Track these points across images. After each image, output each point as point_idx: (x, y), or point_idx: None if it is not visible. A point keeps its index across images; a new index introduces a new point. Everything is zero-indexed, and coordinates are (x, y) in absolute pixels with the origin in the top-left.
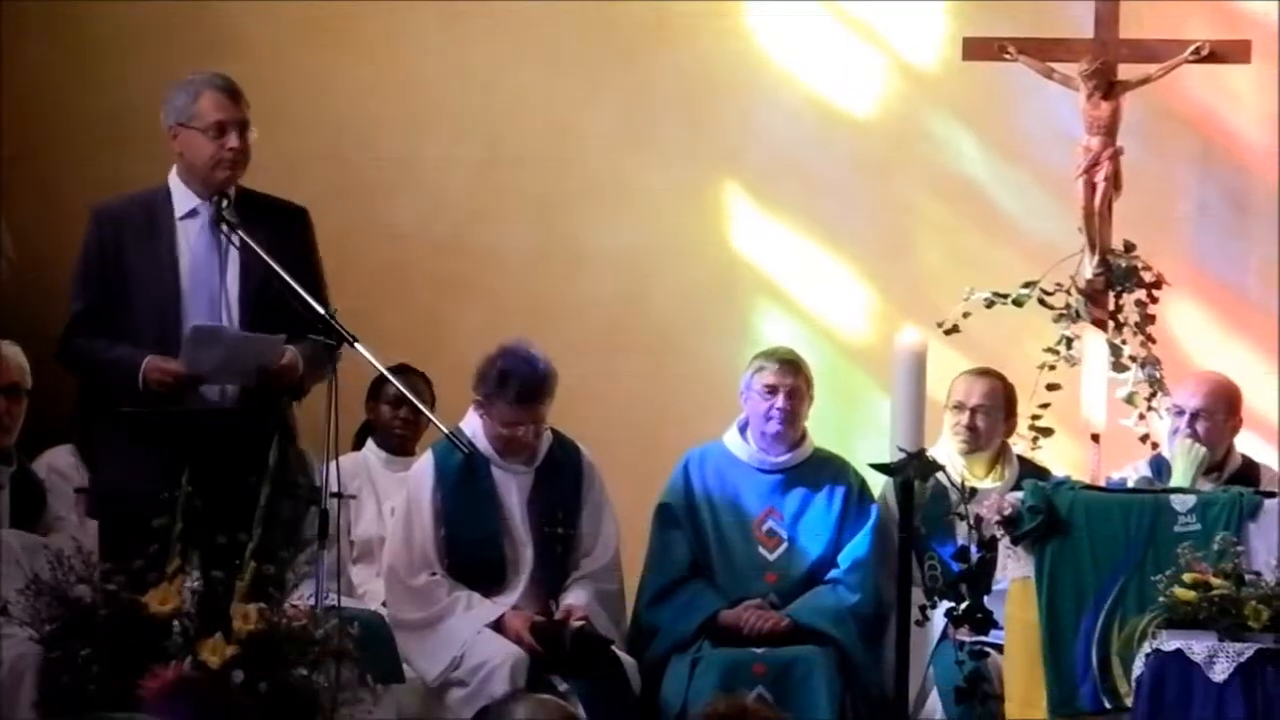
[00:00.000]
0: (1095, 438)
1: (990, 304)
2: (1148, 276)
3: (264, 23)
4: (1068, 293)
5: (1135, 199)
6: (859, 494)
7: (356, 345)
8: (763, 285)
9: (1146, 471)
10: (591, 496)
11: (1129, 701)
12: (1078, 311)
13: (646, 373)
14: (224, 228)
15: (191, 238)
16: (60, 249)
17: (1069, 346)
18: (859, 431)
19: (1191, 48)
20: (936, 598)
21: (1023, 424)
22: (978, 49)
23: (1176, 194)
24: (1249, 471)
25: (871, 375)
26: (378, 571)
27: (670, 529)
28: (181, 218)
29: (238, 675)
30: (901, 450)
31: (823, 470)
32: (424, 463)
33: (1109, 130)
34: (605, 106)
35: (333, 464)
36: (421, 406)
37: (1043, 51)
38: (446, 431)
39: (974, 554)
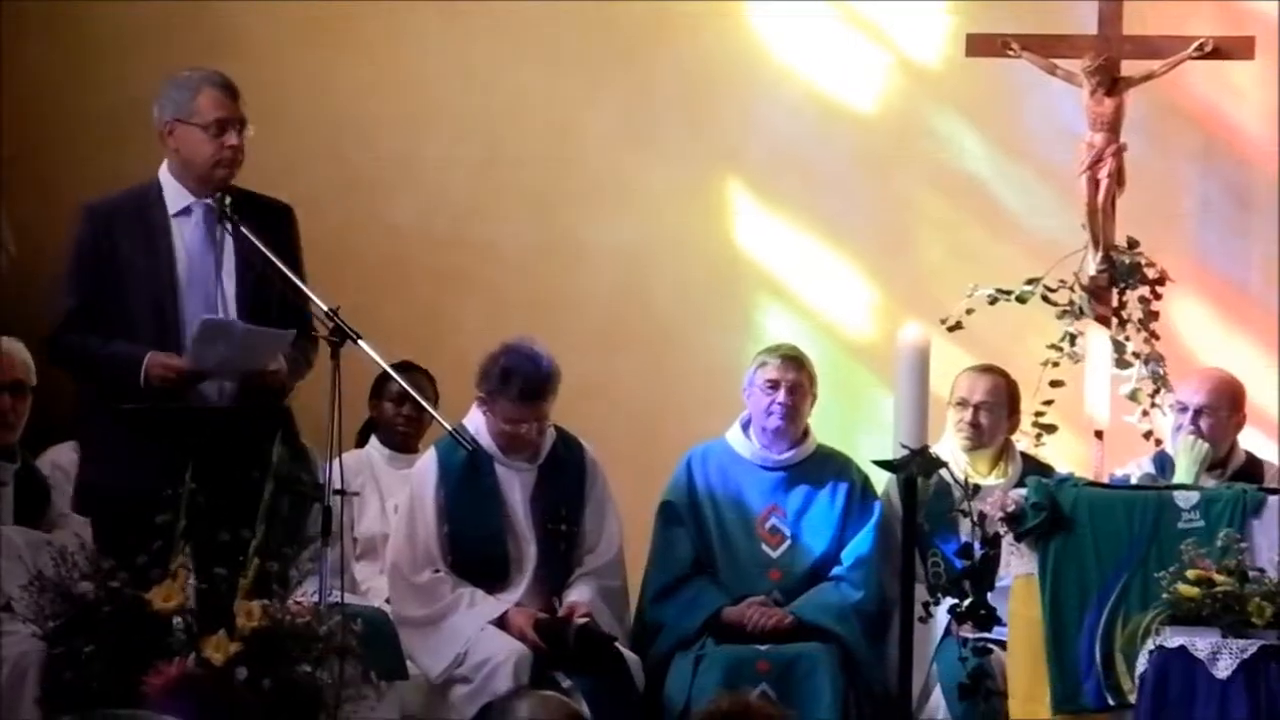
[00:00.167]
0: (1099, 434)
1: (993, 300)
2: (1151, 273)
3: (264, 21)
4: (1071, 289)
5: (1138, 195)
6: (862, 491)
7: (360, 343)
8: (764, 282)
9: (1150, 468)
10: (594, 493)
11: (1132, 698)
12: (1081, 308)
13: (647, 369)
14: (228, 225)
15: (186, 235)
16: (61, 246)
17: (1072, 343)
18: (862, 428)
19: (1195, 44)
20: (940, 594)
21: (1026, 421)
22: (981, 45)
23: (1179, 190)
24: (1252, 468)
25: (874, 372)
26: (381, 568)
27: (673, 526)
28: (175, 215)
29: (241, 672)
30: (905, 447)
31: (825, 467)
32: (427, 460)
33: (1112, 126)
34: (605, 103)
35: (336, 461)
36: (425, 404)
37: (1046, 48)
38: (450, 429)
39: (977, 551)
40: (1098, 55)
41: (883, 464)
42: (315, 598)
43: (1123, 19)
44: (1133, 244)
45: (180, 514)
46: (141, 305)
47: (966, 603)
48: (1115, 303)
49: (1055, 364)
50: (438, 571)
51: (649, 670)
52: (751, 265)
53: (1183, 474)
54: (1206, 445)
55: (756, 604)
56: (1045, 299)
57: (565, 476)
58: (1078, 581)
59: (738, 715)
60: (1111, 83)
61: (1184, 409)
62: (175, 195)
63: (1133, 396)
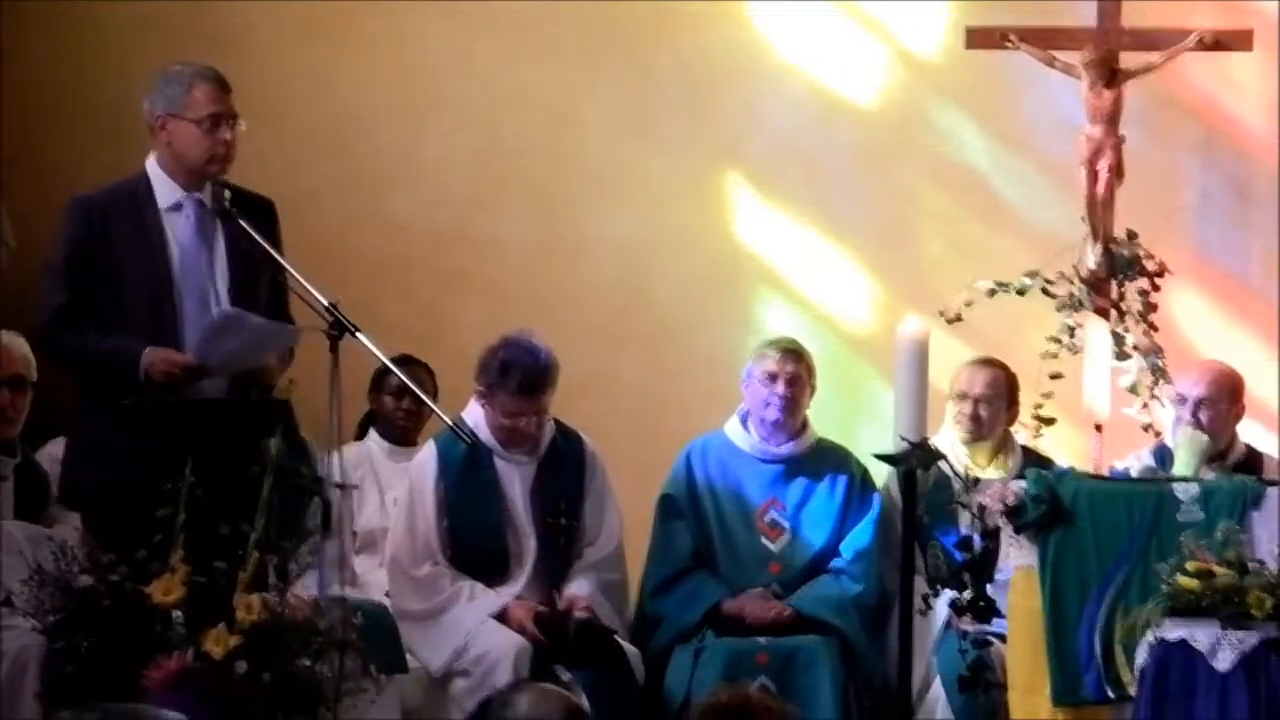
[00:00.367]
0: (1098, 427)
1: (993, 293)
2: (1150, 265)
3: (265, 18)
4: (1070, 282)
5: (1137, 188)
6: (861, 484)
7: (359, 336)
8: (765, 275)
9: (1149, 460)
10: (594, 486)
11: (1132, 690)
12: (1080, 300)
13: (648, 362)
14: (221, 220)
15: (178, 229)
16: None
17: (1072, 335)
18: (861, 421)
19: (1194, 36)
20: (939, 587)
21: (1025, 413)
22: (980, 38)
23: (1179, 183)
24: (1252, 460)
25: (874, 365)
26: (381, 562)
27: (672, 520)
28: (166, 209)
29: (241, 666)
30: (904, 440)
31: (825, 460)
32: (426, 453)
33: (1111, 119)
34: (606, 97)
35: (335, 454)
36: (424, 397)
37: (1045, 40)
38: (450, 422)
39: (977, 543)
40: (1097, 48)
41: (882, 457)
42: (315, 591)
43: (1121, 12)
44: (1132, 236)
45: (180, 508)
46: (137, 301)
47: (966, 595)
48: (1114, 295)
49: (1054, 356)
50: (437, 565)
51: (649, 663)
52: (752, 259)
53: (1182, 466)
54: (1206, 437)
55: (756, 596)
56: (1044, 291)
57: (565, 470)
58: (1077, 574)
59: (737, 708)
60: (1110, 75)
61: (1183, 401)
62: (166, 190)
63: (1132, 389)
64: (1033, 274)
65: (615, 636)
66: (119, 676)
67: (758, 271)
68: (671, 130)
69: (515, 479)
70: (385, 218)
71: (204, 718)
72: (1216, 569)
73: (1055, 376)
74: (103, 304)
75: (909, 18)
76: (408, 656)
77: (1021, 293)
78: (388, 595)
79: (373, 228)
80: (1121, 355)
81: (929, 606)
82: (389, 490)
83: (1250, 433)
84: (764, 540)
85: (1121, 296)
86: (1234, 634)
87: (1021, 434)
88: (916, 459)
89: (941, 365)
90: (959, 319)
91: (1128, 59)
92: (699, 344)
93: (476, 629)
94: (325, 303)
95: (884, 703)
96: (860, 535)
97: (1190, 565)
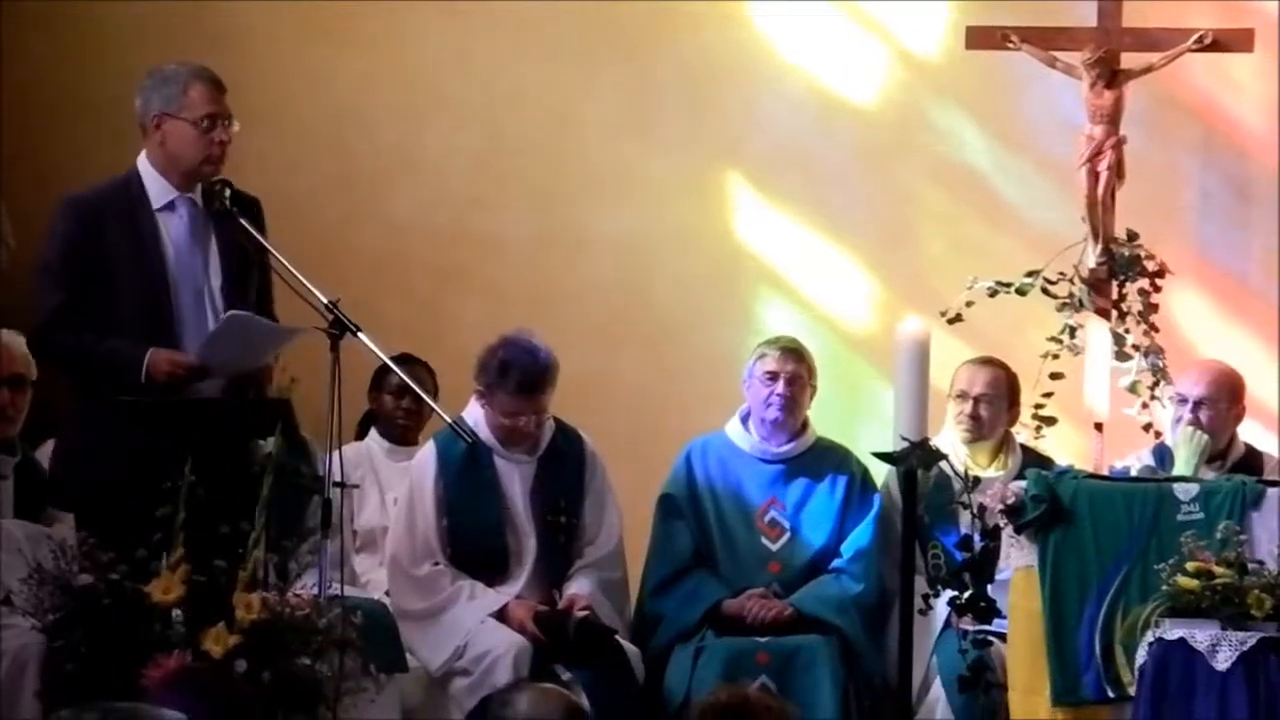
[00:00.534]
0: (1098, 426)
1: (993, 293)
2: (1151, 265)
3: (265, 16)
4: (1071, 282)
5: (1138, 188)
6: (861, 483)
7: (360, 335)
8: (765, 274)
9: (1149, 460)
10: (594, 485)
11: (1132, 690)
12: (1081, 300)
13: (648, 362)
14: (232, 218)
15: (172, 229)
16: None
17: (1072, 335)
18: (862, 420)
19: (1194, 36)
20: (940, 587)
21: (1026, 413)
22: (980, 38)
23: (1179, 183)
24: (1252, 460)
25: (874, 364)
26: (380, 561)
27: (672, 519)
28: (159, 209)
29: (241, 664)
30: (904, 439)
31: (825, 460)
32: (426, 452)
33: (1112, 119)
34: (606, 96)
35: (335, 453)
36: (425, 396)
37: (1045, 40)
38: (450, 421)
39: (977, 543)
40: (1097, 48)
41: (882, 456)
42: (315, 590)
43: (1122, 12)
44: (1132, 236)
45: (180, 507)
46: (133, 300)
47: (966, 595)
48: (1115, 295)
49: (1055, 356)
50: (437, 564)
51: (649, 662)
52: (752, 258)
53: (1182, 465)
54: (1206, 437)
55: (756, 596)
56: (1045, 291)
57: (564, 468)
58: (1077, 574)
59: (737, 707)
60: (1111, 75)
61: (1183, 401)
62: (159, 189)
63: (1132, 389)
64: (1033, 274)
65: (615, 636)
66: (118, 675)
67: (758, 271)
68: (671, 130)
69: (515, 478)
70: (385, 217)
71: (203, 717)
72: (1216, 569)
73: (1055, 376)
74: (99, 303)
75: (909, 18)
76: (408, 656)
77: (1022, 293)
78: (388, 594)
79: (372, 227)
80: (1122, 355)
81: (929, 606)
82: (389, 489)
83: (1250, 433)
84: (764, 540)
85: (1122, 296)
86: (1233, 634)
87: (1022, 434)
88: (917, 459)
89: (942, 365)
90: (959, 319)
91: (1128, 59)
92: (699, 343)
93: (476, 628)
94: (325, 302)
95: (884, 702)
96: (860, 535)
97: (1190, 565)
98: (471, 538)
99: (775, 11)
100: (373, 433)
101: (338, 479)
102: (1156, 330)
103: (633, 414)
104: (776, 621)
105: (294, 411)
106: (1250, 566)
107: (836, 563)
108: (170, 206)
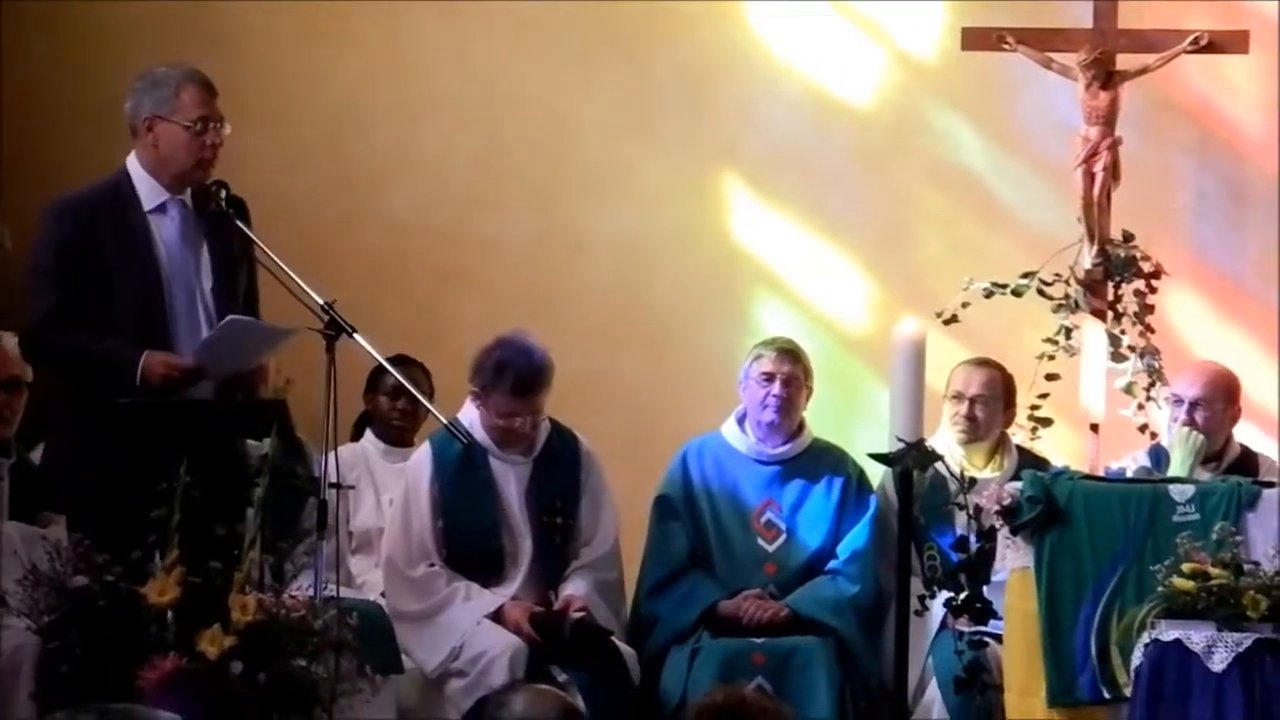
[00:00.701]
0: (1094, 428)
1: (989, 294)
2: (1146, 266)
3: (263, 17)
4: (1067, 283)
5: (1134, 189)
6: (858, 484)
7: (355, 336)
8: (762, 275)
9: (1145, 461)
10: (590, 485)
11: (1128, 691)
12: (1077, 301)
13: (645, 362)
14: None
15: (164, 231)
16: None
17: (1068, 336)
18: (858, 421)
19: (1190, 38)
20: (936, 588)
21: (1022, 414)
22: (976, 39)
23: (1175, 184)
24: (1247, 461)
25: (870, 365)
26: (376, 562)
27: (669, 520)
28: (150, 210)
29: (236, 666)
30: (900, 440)
31: (821, 461)
32: (422, 453)
33: (1107, 120)
34: (604, 97)
35: (331, 454)
36: (420, 397)
37: (1041, 41)
38: (445, 422)
39: (973, 544)
40: (1093, 49)
41: (878, 457)
42: (310, 591)
43: (1118, 13)
44: (1128, 237)
45: (175, 508)
46: (127, 301)
47: (962, 596)
48: (1111, 296)
49: (1051, 357)
50: (433, 565)
51: (645, 663)
52: (749, 259)
53: (1178, 466)
54: (1201, 436)
55: (752, 597)
56: (1041, 292)
57: (560, 469)
58: (1073, 575)
59: (733, 708)
60: (1107, 77)
61: (1179, 402)
62: (149, 191)
63: (1128, 390)
64: (1029, 275)
65: (611, 637)
66: (114, 677)
67: (755, 272)
68: (669, 130)
69: (511, 479)
70: (383, 217)
71: (199, 718)
72: (1212, 570)
73: (1051, 377)
74: (92, 305)
75: (905, 19)
76: (403, 657)
77: (1018, 294)
78: (383, 595)
79: (370, 227)
80: (1117, 356)
81: (925, 607)
82: (385, 491)
83: (1247, 434)
84: (760, 541)
85: (1118, 298)
86: (1229, 635)
87: (1018, 435)
88: (913, 460)
89: (938, 366)
90: (955, 320)
91: (1124, 60)
92: (697, 344)
93: (472, 629)
94: (321, 303)
95: (880, 703)
96: (856, 536)
97: (1186, 566)
98: (467, 539)
99: (772, 12)
100: (368, 434)
101: (333, 480)
102: (1152, 331)
103: (630, 414)
104: (772, 622)
105: (289, 413)
106: (1246, 568)
107: (832, 564)
108: (161, 208)
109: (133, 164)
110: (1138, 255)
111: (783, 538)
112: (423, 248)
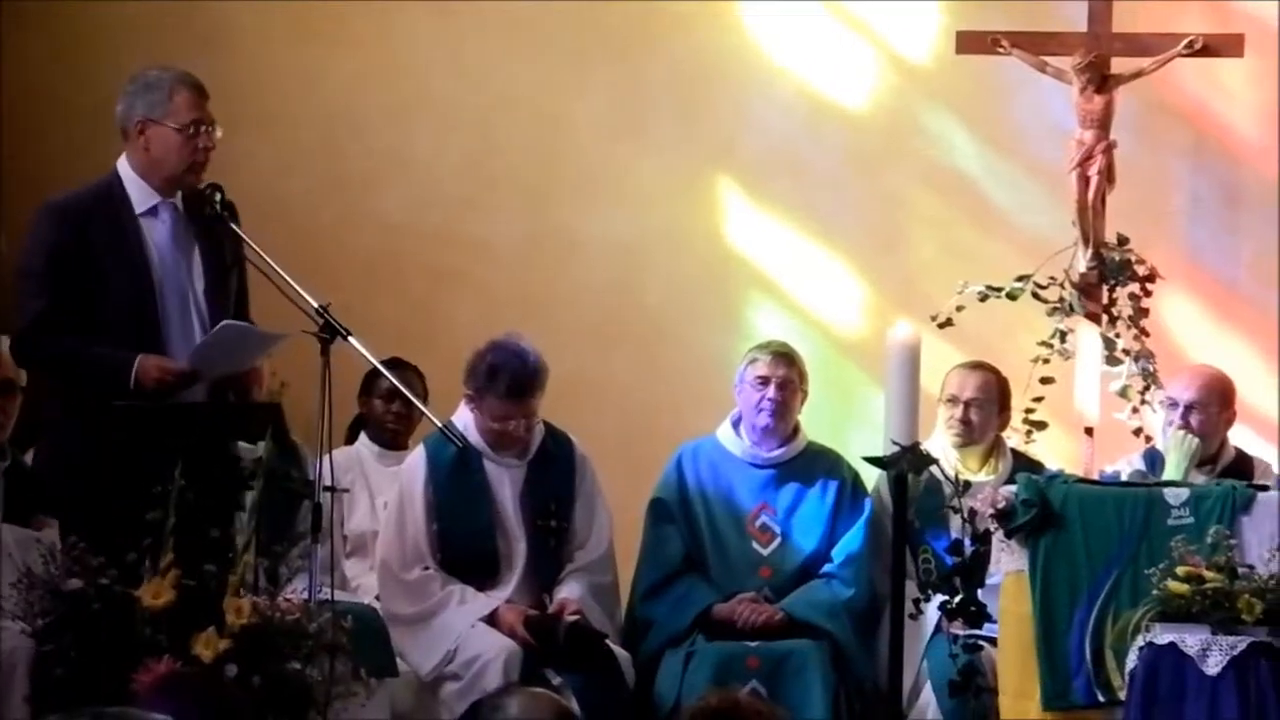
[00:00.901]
0: (1089, 431)
1: (984, 297)
2: (1141, 270)
3: (256, 17)
4: (1061, 286)
5: (1128, 192)
6: (852, 488)
7: (350, 339)
8: (755, 278)
9: (1140, 465)
10: (584, 488)
11: (1122, 694)
12: (1071, 305)
13: (639, 364)
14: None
15: (155, 234)
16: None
17: (1063, 340)
18: (852, 425)
19: (1185, 41)
20: (930, 591)
21: (1016, 417)
22: (971, 42)
23: (1170, 187)
24: (1242, 464)
25: (865, 369)
26: (371, 565)
27: (663, 524)
28: (142, 214)
29: (231, 669)
30: (895, 444)
31: (816, 464)
32: (416, 456)
33: (1102, 124)
34: (597, 98)
35: (325, 458)
36: (415, 400)
37: (1036, 45)
38: (440, 425)
39: (968, 547)
40: (1087, 52)
41: (873, 460)
42: (305, 595)
43: (1112, 16)
44: (1123, 241)
45: (169, 511)
46: (119, 305)
47: (957, 599)
48: (1105, 300)
49: (1045, 361)
50: (427, 569)
51: (639, 667)
52: (743, 262)
53: (1173, 469)
54: (1196, 440)
55: (747, 601)
56: (1035, 296)
57: (554, 472)
58: (1068, 578)
59: (727, 712)
60: (1101, 80)
61: (1174, 405)
62: (141, 194)
63: (1123, 393)
64: (1024, 278)
65: (606, 640)
66: (108, 680)
67: (748, 275)
68: (662, 132)
69: (505, 482)
70: (376, 218)
71: None
72: (1206, 573)
73: (1046, 381)
74: (84, 308)
75: (899, 21)
76: (398, 660)
77: (1013, 297)
78: (378, 599)
79: (364, 228)
80: (1112, 360)
81: (920, 611)
82: (379, 494)
83: (1242, 438)
84: (755, 545)
85: (1112, 301)
86: (1224, 638)
87: (1012, 438)
88: (907, 463)
89: (932, 369)
90: (950, 323)
91: (1118, 64)
92: (690, 345)
93: (467, 632)
94: (316, 306)
95: (875, 707)
96: (851, 540)
97: (1180, 570)
98: (461, 542)
99: (766, 14)
100: (363, 437)
101: (328, 483)
102: (1147, 335)
103: (624, 416)
104: (767, 626)
105: (284, 416)
106: (1240, 571)
107: (827, 567)
108: (153, 211)
109: (123, 167)
110: (1132, 259)
111: (777, 541)
112: (416, 248)
